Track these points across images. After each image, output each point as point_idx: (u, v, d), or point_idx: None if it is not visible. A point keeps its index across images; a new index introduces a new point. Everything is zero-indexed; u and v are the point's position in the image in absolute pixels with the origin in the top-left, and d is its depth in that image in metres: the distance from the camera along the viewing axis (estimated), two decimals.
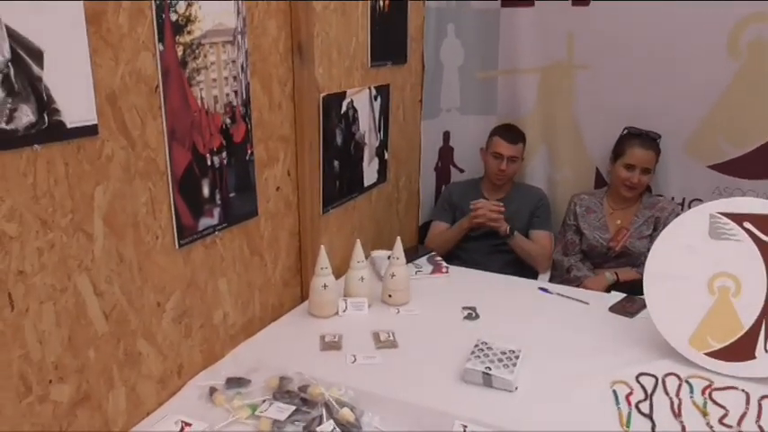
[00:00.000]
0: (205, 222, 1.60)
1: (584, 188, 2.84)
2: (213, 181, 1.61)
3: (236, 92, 1.64)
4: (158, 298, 1.50)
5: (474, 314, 1.97)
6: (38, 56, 1.10)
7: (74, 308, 1.28)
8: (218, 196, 1.63)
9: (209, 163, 1.58)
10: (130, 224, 1.39)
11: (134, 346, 1.45)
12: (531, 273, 2.71)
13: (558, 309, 2.05)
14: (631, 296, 2.08)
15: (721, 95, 2.46)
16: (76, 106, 1.19)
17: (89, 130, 1.23)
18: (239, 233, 1.76)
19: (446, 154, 3.16)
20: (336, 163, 2.20)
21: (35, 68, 1.10)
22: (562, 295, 2.14)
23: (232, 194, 1.68)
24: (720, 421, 1.42)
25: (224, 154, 1.63)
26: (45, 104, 1.12)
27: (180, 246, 1.53)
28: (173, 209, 1.49)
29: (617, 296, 2.12)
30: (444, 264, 2.38)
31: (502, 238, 2.65)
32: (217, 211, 1.64)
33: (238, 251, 1.77)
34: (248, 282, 1.84)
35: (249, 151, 1.73)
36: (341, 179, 2.25)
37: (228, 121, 1.62)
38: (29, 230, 1.16)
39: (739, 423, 1.41)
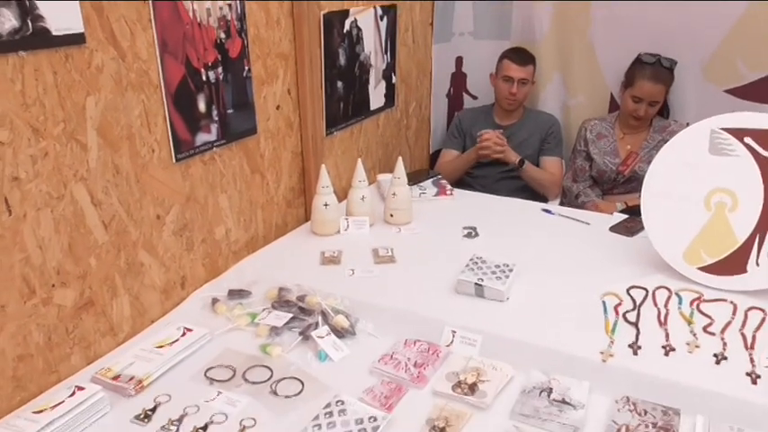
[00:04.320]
0: (202, 138, 1.63)
1: (598, 114, 2.77)
2: (209, 96, 1.62)
3: (230, 5, 1.62)
4: (157, 211, 1.55)
5: (474, 233, 1.98)
6: None
7: (72, 216, 1.33)
8: (214, 112, 1.65)
9: (204, 78, 1.59)
10: (125, 136, 1.42)
11: (135, 257, 1.51)
12: (541, 199, 2.70)
13: (558, 228, 2.06)
14: (633, 216, 2.06)
15: (739, 17, 2.34)
16: (61, 13, 1.20)
17: (75, 39, 1.25)
18: (239, 151, 1.79)
19: (459, 80, 3.10)
20: (340, 84, 2.18)
21: None
22: (564, 216, 2.14)
23: (230, 111, 1.70)
24: (705, 329, 1.43)
25: (220, 69, 1.63)
26: (27, 10, 1.13)
27: (177, 160, 1.56)
28: (168, 123, 1.52)
29: (620, 217, 2.10)
30: (449, 186, 2.38)
31: (510, 166, 2.64)
32: (214, 127, 1.66)
33: (238, 169, 1.80)
34: (250, 200, 1.87)
35: (246, 68, 1.73)
36: (345, 101, 2.24)
37: (223, 35, 1.62)
38: (20, 137, 1.20)
39: (723, 331, 1.42)
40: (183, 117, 1.55)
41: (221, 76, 1.65)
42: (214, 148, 1.68)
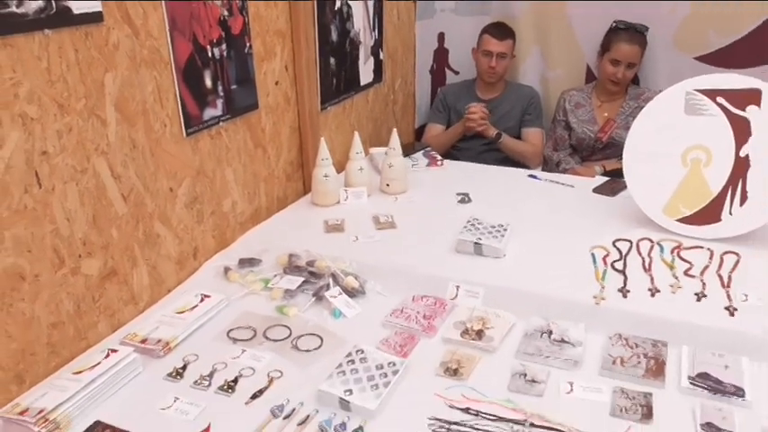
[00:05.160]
0: (210, 113, 1.69)
1: (576, 84, 2.90)
2: (215, 72, 1.68)
3: None
4: (170, 184, 1.62)
5: (467, 198, 2.09)
6: None
7: (95, 189, 1.39)
8: (220, 87, 1.71)
9: (209, 54, 1.65)
10: (140, 112, 1.48)
11: (152, 228, 1.58)
12: (524, 168, 2.81)
13: (545, 192, 2.18)
14: (615, 178, 2.19)
15: None
16: None
17: (94, 17, 1.30)
18: (242, 125, 1.86)
19: (441, 56, 3.19)
20: (333, 60, 2.26)
21: None
22: (550, 181, 2.26)
23: (234, 86, 1.76)
24: (685, 273, 1.57)
25: (223, 46, 1.70)
26: None
27: (187, 134, 1.63)
28: (178, 98, 1.58)
29: (602, 179, 2.24)
30: (439, 157, 2.48)
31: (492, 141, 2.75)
32: (220, 102, 1.72)
33: (242, 143, 1.87)
34: (253, 173, 1.95)
35: (248, 44, 1.79)
36: (337, 77, 2.32)
37: (226, 12, 1.68)
38: (47, 113, 1.26)
39: (702, 273, 1.56)
40: (191, 92, 1.61)
41: (225, 53, 1.71)
42: (220, 123, 1.75)
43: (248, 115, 1.87)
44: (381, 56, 2.64)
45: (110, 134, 1.41)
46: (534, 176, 2.32)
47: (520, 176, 2.34)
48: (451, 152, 2.85)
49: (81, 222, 1.37)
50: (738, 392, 1.22)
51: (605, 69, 2.64)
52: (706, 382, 1.25)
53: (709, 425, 1.15)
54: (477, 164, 2.53)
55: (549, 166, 2.86)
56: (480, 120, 2.68)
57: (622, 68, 2.59)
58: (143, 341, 1.41)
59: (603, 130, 2.71)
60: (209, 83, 1.67)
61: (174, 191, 1.63)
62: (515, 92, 2.88)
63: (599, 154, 2.76)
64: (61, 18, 1.23)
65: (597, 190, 2.15)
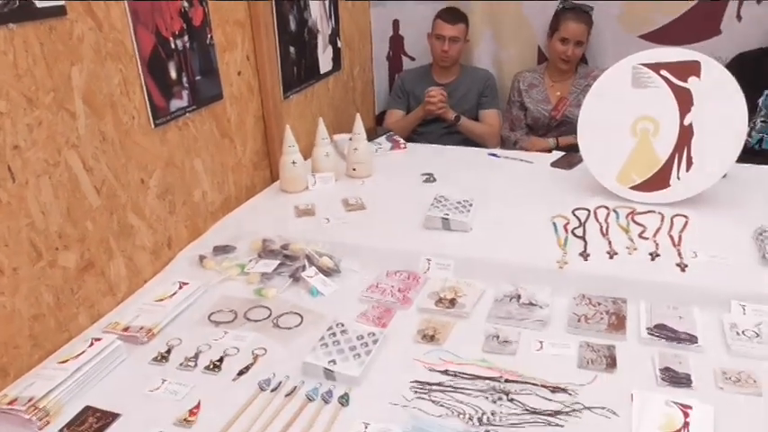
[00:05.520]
0: (176, 104, 1.71)
1: (528, 65, 3.00)
2: (179, 63, 1.70)
3: None
4: (142, 175, 1.63)
5: (432, 178, 2.16)
6: None
7: (68, 182, 1.40)
8: (184, 79, 1.73)
9: (172, 46, 1.67)
10: (108, 104, 1.49)
11: (126, 220, 1.59)
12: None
13: (506, 169, 2.27)
14: (571, 152, 2.30)
15: None
16: None
17: (57, 11, 1.31)
18: (208, 116, 1.88)
19: (396, 43, 3.25)
20: (292, 49, 2.29)
21: None
22: (510, 158, 2.36)
23: (198, 77, 1.78)
24: (640, 235, 1.68)
25: (186, 37, 1.71)
26: None
27: (155, 126, 1.65)
28: (144, 90, 1.59)
29: (558, 154, 2.34)
30: (402, 140, 2.55)
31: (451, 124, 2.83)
32: (185, 93, 1.74)
33: (209, 133, 1.89)
34: (221, 163, 1.97)
35: (209, 35, 1.81)
36: (298, 65, 2.35)
37: (186, 4, 1.70)
38: (17, 107, 1.26)
39: (655, 235, 1.67)
40: (157, 84, 1.63)
41: (188, 44, 1.73)
42: (187, 114, 1.76)
43: (213, 106, 1.89)
44: (339, 44, 2.68)
45: (79, 127, 1.42)
46: (495, 155, 2.41)
47: (481, 155, 2.43)
48: (413, 137, 2.91)
49: (56, 215, 1.38)
50: (692, 339, 1.32)
51: (555, 48, 2.75)
52: (662, 332, 1.35)
53: (667, 369, 1.25)
54: (439, 145, 2.60)
55: (506, 145, 2.96)
56: (439, 103, 2.75)
57: (571, 46, 2.70)
58: (125, 329, 1.43)
59: (557, 108, 2.82)
60: (173, 74, 1.69)
61: (145, 182, 1.65)
62: (471, 75, 2.96)
63: (554, 132, 2.87)
64: (25, 12, 1.24)
65: (555, 164, 2.26)
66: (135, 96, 1.57)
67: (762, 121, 2.64)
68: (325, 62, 2.57)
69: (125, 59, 1.53)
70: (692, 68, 1.79)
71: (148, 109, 1.61)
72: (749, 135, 2.67)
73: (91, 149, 1.45)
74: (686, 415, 1.11)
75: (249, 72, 2.06)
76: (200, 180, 1.87)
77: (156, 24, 1.60)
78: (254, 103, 2.12)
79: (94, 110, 1.45)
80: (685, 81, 1.80)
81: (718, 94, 1.77)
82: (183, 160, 1.79)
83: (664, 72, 1.81)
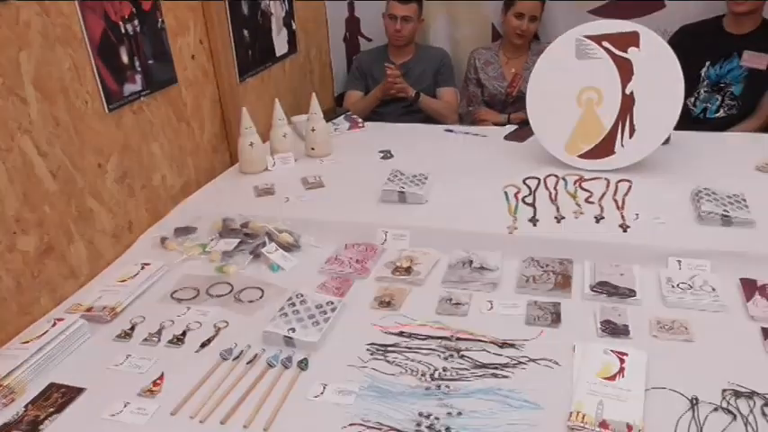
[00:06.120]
0: (129, 88, 1.72)
1: (482, 43, 3.06)
2: (130, 48, 1.71)
3: None
4: (98, 159, 1.65)
5: (389, 155, 2.21)
6: None
7: (22, 167, 1.42)
8: (137, 63, 1.74)
9: (122, 30, 1.68)
10: (59, 89, 1.50)
11: (84, 204, 1.61)
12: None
13: (461, 143, 2.34)
14: (524, 126, 2.37)
15: None
16: None
17: None
18: (163, 100, 1.89)
19: (352, 24, 3.27)
20: (246, 33, 2.30)
21: None
22: (464, 133, 2.42)
23: (150, 61, 1.80)
24: (586, 200, 1.76)
25: (136, 22, 1.72)
26: None
27: (110, 110, 1.66)
28: (96, 75, 1.60)
29: (512, 128, 2.41)
30: (360, 120, 2.59)
31: (410, 101, 2.87)
32: (138, 78, 1.76)
33: (165, 118, 1.91)
34: (180, 147, 1.99)
35: (160, 19, 1.82)
36: (252, 49, 2.37)
37: None
38: None
39: (600, 200, 1.75)
40: (109, 69, 1.64)
41: (138, 29, 1.74)
42: (141, 98, 1.78)
43: (168, 90, 1.91)
44: (293, 27, 2.70)
45: (31, 112, 1.43)
46: (450, 130, 2.47)
47: (437, 131, 2.49)
48: (373, 117, 2.95)
49: (12, 200, 1.39)
50: (631, 293, 1.41)
51: (510, 24, 2.81)
52: (604, 288, 1.43)
53: (607, 322, 1.33)
54: (396, 123, 2.65)
55: (465, 122, 3.02)
56: (396, 78, 2.78)
57: (526, 21, 2.77)
58: (88, 309, 1.46)
59: (512, 84, 2.89)
60: (125, 58, 1.70)
61: (102, 166, 1.66)
62: (426, 54, 3.01)
63: (510, 108, 2.94)
64: None
65: (508, 137, 2.33)
66: (87, 81, 1.58)
67: (705, 92, 2.75)
68: (280, 45, 2.59)
69: (74, 44, 1.53)
70: (631, 39, 1.87)
71: (101, 93, 1.63)
72: (693, 105, 2.79)
73: (44, 134, 1.47)
74: (622, 361, 1.19)
75: (203, 56, 2.08)
76: (159, 164, 1.89)
77: (104, 9, 1.60)
78: (210, 86, 2.13)
79: (46, 95, 1.46)
80: (625, 51, 1.87)
81: (656, 63, 1.85)
82: (139, 144, 1.80)
83: (605, 43, 1.89)
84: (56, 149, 1.50)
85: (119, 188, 1.73)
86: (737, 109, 2.73)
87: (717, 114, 2.76)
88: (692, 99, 2.78)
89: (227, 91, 2.18)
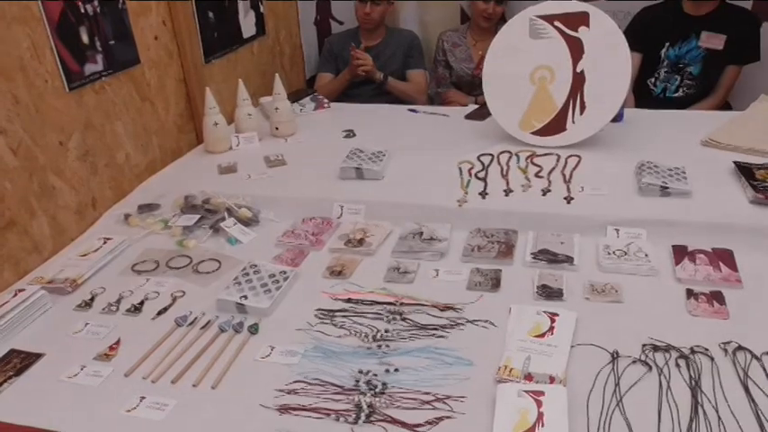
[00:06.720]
0: (90, 68, 1.76)
1: (451, 26, 3.11)
2: (90, 28, 1.75)
3: None
4: (60, 137, 1.69)
5: (352, 134, 2.27)
6: None
7: None
8: (98, 43, 1.78)
9: (82, 11, 1.72)
10: (18, 68, 1.54)
11: (46, 180, 1.65)
12: None
13: (423, 122, 2.40)
14: (484, 106, 2.43)
15: None
16: None
17: None
18: (126, 80, 1.93)
19: (324, 7, 3.31)
20: (211, 14, 2.34)
21: None
22: (427, 113, 2.48)
23: (112, 42, 1.83)
24: (536, 175, 1.83)
25: (96, 2, 1.76)
26: None
27: (70, 89, 1.70)
28: (56, 54, 1.64)
29: (473, 107, 2.47)
30: (326, 100, 2.64)
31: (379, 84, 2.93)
32: (99, 58, 1.79)
33: (128, 97, 1.95)
34: (144, 126, 2.03)
35: (121, 0, 1.85)
36: (218, 30, 2.40)
37: None
38: None
39: (549, 174, 1.82)
40: (68, 49, 1.68)
41: (98, 9, 1.77)
42: (102, 78, 1.82)
43: (131, 70, 1.95)
44: (261, 9, 2.73)
45: None
46: (414, 110, 2.52)
47: (401, 111, 2.55)
48: (344, 99, 3.00)
49: None
50: (569, 260, 1.48)
51: (477, 7, 2.87)
52: (545, 255, 1.50)
53: (543, 286, 1.40)
54: (362, 104, 2.70)
55: (434, 104, 3.08)
56: (361, 61, 2.82)
57: (492, 4, 2.83)
58: (50, 282, 1.51)
59: (479, 66, 2.94)
60: (85, 39, 1.74)
61: (64, 144, 1.71)
62: (396, 37, 3.06)
63: (478, 89, 2.98)
64: None
65: (468, 116, 2.39)
66: (46, 60, 1.62)
67: (665, 72, 2.83)
68: (247, 27, 2.62)
69: (32, 23, 1.57)
70: (581, 19, 1.92)
71: (61, 73, 1.67)
72: (654, 85, 2.87)
73: (3, 112, 1.51)
74: (553, 321, 1.27)
75: (167, 37, 2.12)
76: (122, 142, 1.94)
77: None
78: (174, 67, 2.17)
79: (4, 73, 1.50)
80: (576, 31, 1.93)
81: (605, 42, 1.91)
82: (102, 123, 1.84)
83: (557, 23, 1.95)
84: (15, 126, 1.54)
85: (81, 166, 1.77)
86: (695, 88, 2.81)
87: (676, 94, 2.84)
88: (653, 79, 2.86)
89: (192, 72, 2.22)
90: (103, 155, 1.86)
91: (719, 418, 1.04)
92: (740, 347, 1.18)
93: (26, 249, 1.60)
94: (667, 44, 2.77)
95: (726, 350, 1.18)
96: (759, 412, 1.04)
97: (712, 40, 2.72)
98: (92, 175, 1.81)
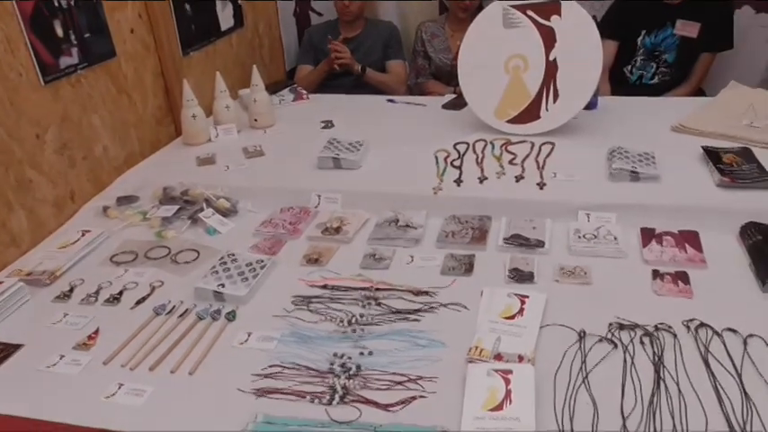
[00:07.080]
0: (65, 61, 1.77)
1: (430, 17, 3.13)
2: (64, 21, 1.75)
3: None
4: (36, 131, 1.69)
5: (330, 124, 2.29)
6: None
7: None
8: (72, 36, 1.78)
9: (56, 4, 1.72)
10: None
11: (23, 174, 1.66)
12: None
13: (401, 112, 2.42)
14: (461, 96, 2.46)
15: None
16: None
17: None
18: (102, 73, 1.93)
19: None
20: (188, 7, 2.34)
21: None
22: (405, 102, 2.50)
23: (87, 35, 1.84)
24: (510, 162, 1.86)
25: None
26: None
27: (46, 83, 1.70)
28: (30, 48, 1.64)
29: (450, 97, 2.50)
30: (305, 92, 2.65)
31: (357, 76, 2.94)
32: (74, 51, 1.80)
33: (105, 90, 1.95)
34: (121, 119, 2.04)
35: None
36: (196, 23, 2.41)
37: None
38: None
39: (523, 161, 1.85)
40: (42, 42, 1.68)
41: (72, 2, 1.77)
42: (78, 71, 1.82)
43: (107, 63, 1.95)
44: (239, 1, 2.73)
45: None
46: (392, 100, 2.55)
47: (380, 101, 2.57)
48: (324, 90, 3.01)
49: None
50: (540, 244, 1.52)
51: None
52: (516, 240, 1.54)
53: (515, 270, 1.43)
54: (341, 95, 2.72)
55: (414, 94, 3.10)
56: (339, 53, 2.84)
57: None
58: (28, 274, 1.52)
59: (457, 57, 2.96)
60: (60, 32, 1.74)
61: (40, 137, 1.71)
62: (375, 28, 3.07)
63: (457, 80, 3.01)
64: None
65: (445, 106, 2.41)
66: (20, 54, 1.62)
67: (641, 60, 2.87)
68: (225, 19, 2.63)
69: (5, 18, 1.57)
70: (553, 8, 1.95)
71: (36, 66, 1.67)
72: (630, 72, 2.92)
73: None
74: (523, 303, 1.30)
75: (143, 29, 2.12)
76: (100, 135, 1.94)
77: None
78: (152, 60, 2.18)
79: None
80: (548, 20, 1.96)
81: (577, 31, 1.94)
82: (79, 116, 1.85)
83: (530, 12, 1.97)
84: None
85: (59, 159, 1.78)
86: (671, 75, 2.86)
87: (652, 81, 2.89)
88: (629, 67, 2.91)
89: (169, 64, 2.22)
90: (81, 148, 1.86)
91: (680, 391, 1.08)
92: (702, 324, 1.22)
93: (4, 243, 1.60)
94: (643, 32, 2.81)
95: (688, 327, 1.22)
96: (718, 385, 1.08)
97: (687, 28, 2.76)
98: (70, 168, 1.82)
